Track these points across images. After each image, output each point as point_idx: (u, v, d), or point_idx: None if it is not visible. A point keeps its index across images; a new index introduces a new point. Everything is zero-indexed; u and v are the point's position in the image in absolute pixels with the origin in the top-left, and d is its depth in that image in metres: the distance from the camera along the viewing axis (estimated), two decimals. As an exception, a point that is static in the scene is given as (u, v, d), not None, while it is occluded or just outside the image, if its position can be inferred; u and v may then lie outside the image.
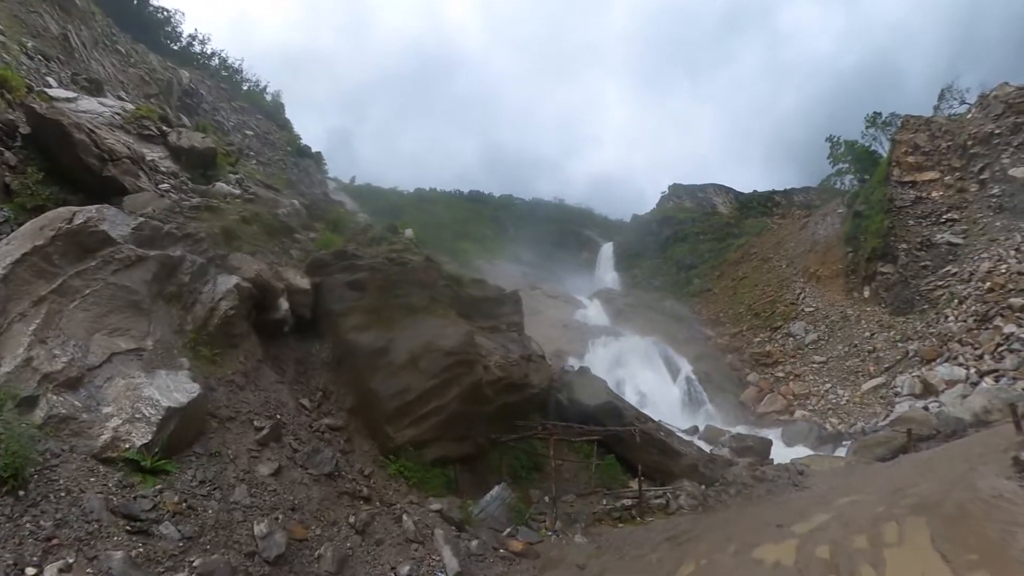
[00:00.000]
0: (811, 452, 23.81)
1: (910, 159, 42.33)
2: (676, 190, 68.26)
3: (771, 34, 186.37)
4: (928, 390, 26.85)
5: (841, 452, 23.53)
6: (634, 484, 17.11)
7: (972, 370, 26.51)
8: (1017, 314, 28.62)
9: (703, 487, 17.90)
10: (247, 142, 44.00)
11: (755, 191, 67.81)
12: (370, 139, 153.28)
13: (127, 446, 8.94)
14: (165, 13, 45.33)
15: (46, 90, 17.77)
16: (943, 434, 20.03)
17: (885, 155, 46.31)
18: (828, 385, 32.76)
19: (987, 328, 28.88)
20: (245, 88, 49.22)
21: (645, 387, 33.45)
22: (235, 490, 9.81)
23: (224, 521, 9.05)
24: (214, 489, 9.52)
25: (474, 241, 55.06)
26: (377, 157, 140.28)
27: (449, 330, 15.96)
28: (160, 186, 16.28)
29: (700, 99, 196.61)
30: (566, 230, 64.17)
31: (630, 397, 32.55)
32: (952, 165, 41.51)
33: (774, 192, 67.06)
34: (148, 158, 17.15)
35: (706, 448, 22.94)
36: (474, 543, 11.99)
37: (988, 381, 24.97)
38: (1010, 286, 30.75)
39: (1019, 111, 39.93)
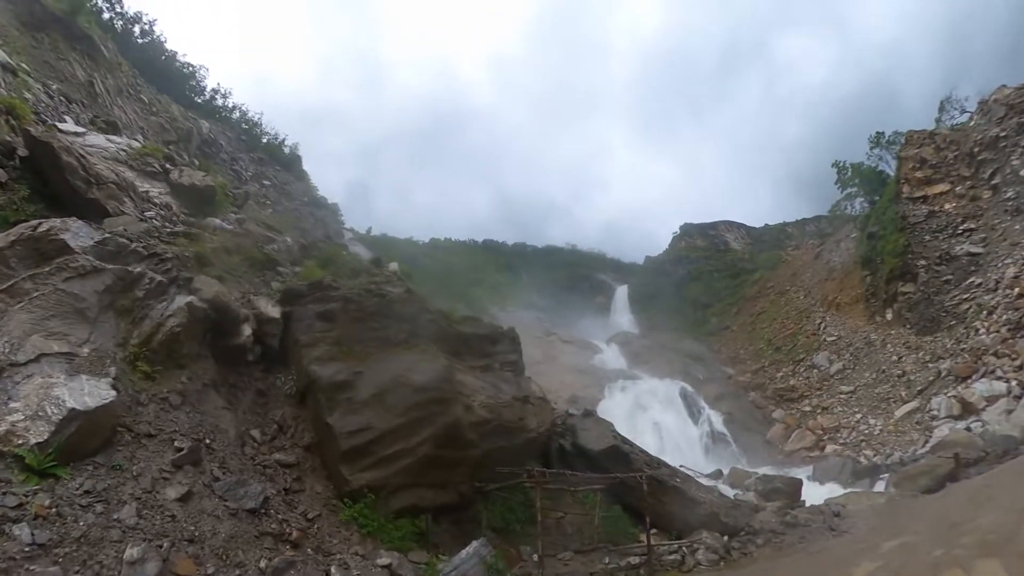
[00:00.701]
0: (846, 489, 21.30)
1: (918, 174, 40.70)
2: (687, 229, 66.71)
3: (768, 69, 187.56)
4: (967, 409, 24.37)
5: (880, 486, 21.12)
6: (644, 538, 15.12)
7: (1014, 383, 24.10)
8: (1053, 318, 26.26)
9: (725, 538, 15.97)
10: (264, 191, 43.63)
11: (766, 224, 66.17)
12: (386, 191, 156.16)
13: (20, 442, 8.70)
14: (191, 68, 45.80)
15: (57, 124, 17.87)
16: (992, 456, 17.72)
17: (893, 174, 44.79)
18: (859, 415, 30.20)
19: (1022, 336, 26.44)
20: (264, 141, 49.25)
21: (666, 430, 31.26)
22: (123, 507, 8.98)
23: (94, 537, 8.23)
24: (97, 501, 8.80)
25: (488, 288, 53.86)
26: (393, 208, 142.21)
27: (424, 364, 14.41)
28: (146, 213, 16.08)
29: (704, 138, 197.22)
30: (579, 275, 62.73)
31: (650, 441, 30.42)
32: (961, 175, 39.82)
33: (785, 224, 65.32)
34: (141, 189, 17.41)
35: (731, 493, 20.87)
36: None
37: (1034, 393, 22.56)
38: (1041, 289, 28.50)
39: (1021, 111, 38.43)
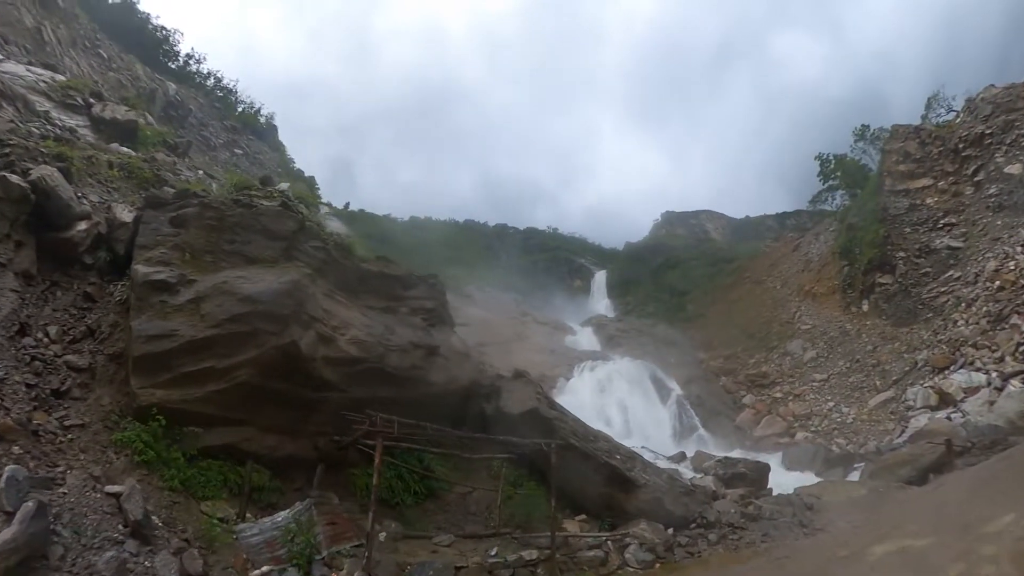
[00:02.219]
0: (818, 478, 19.08)
1: (901, 167, 38.97)
2: (668, 218, 64.70)
3: (760, 65, 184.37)
4: (945, 400, 22.32)
5: (853, 476, 18.96)
6: (570, 526, 12.62)
7: (994, 374, 22.08)
8: (1035, 310, 24.30)
9: (670, 531, 13.35)
10: (235, 159, 41.28)
11: (747, 216, 64.16)
12: (370, 168, 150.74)
13: None
14: (164, 31, 42.87)
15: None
16: (980, 446, 15.49)
17: (875, 168, 43.03)
18: (831, 404, 28.14)
19: (1003, 328, 24.55)
20: (240, 110, 46.49)
21: (632, 412, 29.08)
22: None
23: None
24: None
25: (466, 268, 51.36)
26: (377, 185, 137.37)
27: (268, 276, 11.71)
28: (29, 124, 14.35)
29: (693, 129, 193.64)
30: (559, 258, 60.33)
31: (616, 422, 28.27)
32: (945, 170, 38.06)
33: (766, 216, 63.29)
34: (54, 116, 15.94)
35: (690, 477, 18.45)
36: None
37: (1016, 384, 20.51)
38: (1022, 282, 26.58)
39: (1008, 109, 36.73)
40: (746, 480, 17.95)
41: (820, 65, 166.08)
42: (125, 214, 12.66)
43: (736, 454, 22.25)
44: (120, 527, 8.52)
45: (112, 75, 32.31)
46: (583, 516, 14.36)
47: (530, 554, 11.40)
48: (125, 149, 16.53)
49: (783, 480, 18.68)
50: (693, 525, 13.93)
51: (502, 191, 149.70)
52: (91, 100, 18.44)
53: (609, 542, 12.62)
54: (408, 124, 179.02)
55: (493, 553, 11.38)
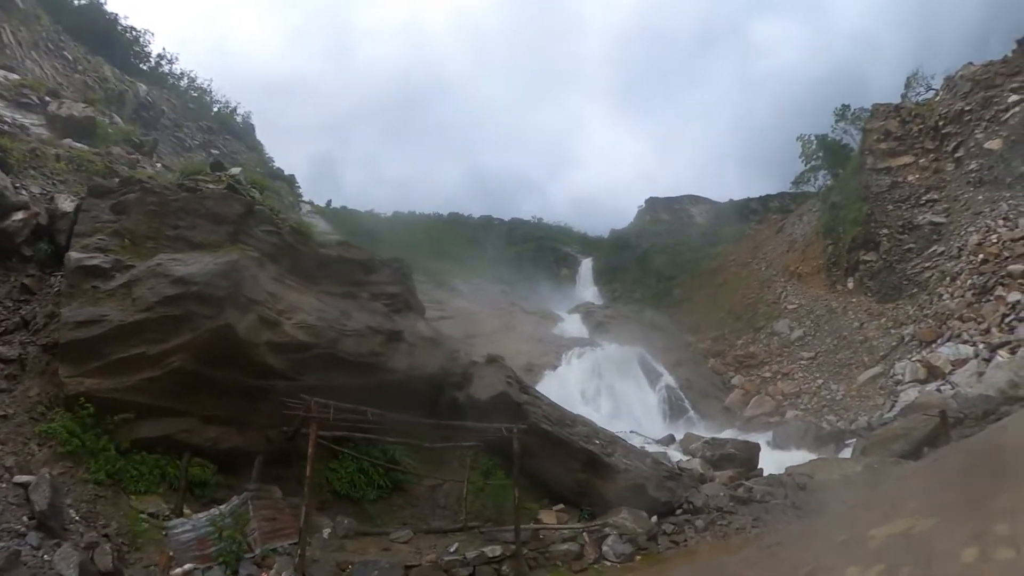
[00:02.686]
0: (811, 456, 18.50)
1: (883, 146, 38.78)
2: (652, 203, 64.02)
3: (742, 51, 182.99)
4: (933, 373, 21.95)
5: (846, 453, 18.48)
6: (546, 516, 11.96)
7: (981, 345, 21.76)
8: (1019, 281, 24.19)
9: (653, 518, 12.70)
10: (210, 160, 40.12)
11: (731, 200, 63.57)
12: (356, 165, 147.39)
13: None
14: (134, 32, 41.80)
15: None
16: (972, 417, 15.04)
17: (856, 148, 42.67)
18: (820, 381, 27.76)
19: (988, 300, 24.23)
20: (216, 110, 45.34)
21: (621, 396, 28.55)
22: None
23: None
24: None
25: (452, 261, 50.61)
26: (363, 182, 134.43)
27: (206, 258, 11.05)
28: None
29: (677, 116, 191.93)
30: (545, 248, 59.54)
31: (605, 407, 27.73)
32: (926, 147, 37.92)
33: (750, 199, 62.72)
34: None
35: (678, 460, 17.78)
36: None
37: (1003, 354, 20.16)
38: (1006, 254, 26.45)
39: (987, 86, 36.52)
40: (735, 461, 17.22)
41: (801, 49, 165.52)
42: (67, 204, 12.12)
43: (726, 435, 21.74)
44: (25, 518, 8.01)
45: (78, 77, 31.26)
46: (561, 506, 13.67)
47: (493, 550, 10.51)
48: (79, 145, 15.94)
49: (775, 459, 18.06)
50: (679, 511, 13.24)
51: (489, 184, 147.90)
52: (47, 99, 18.01)
53: (585, 534, 11.79)
54: (392, 120, 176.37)
55: (452, 550, 10.59)
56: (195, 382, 10.64)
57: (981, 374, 19.13)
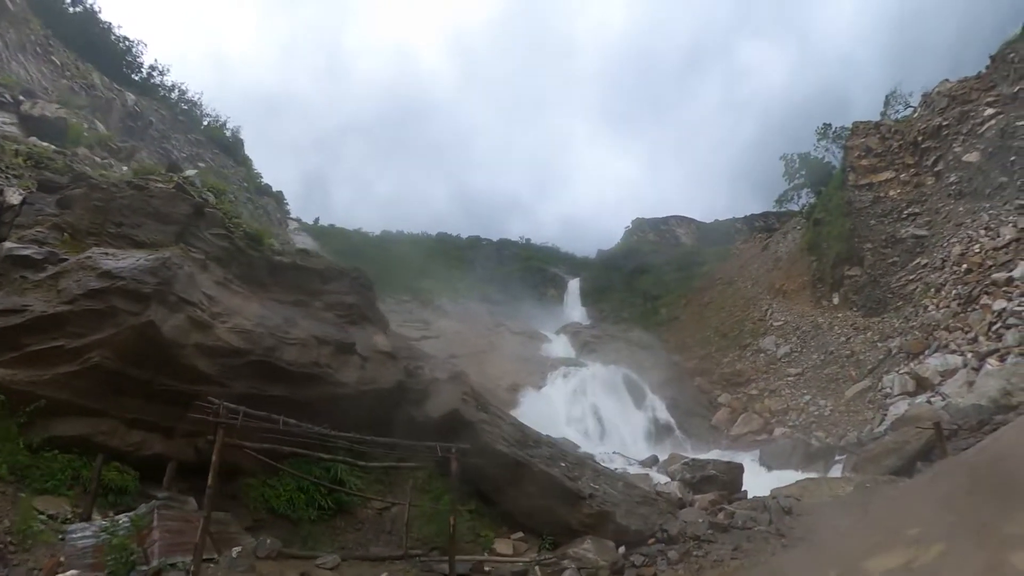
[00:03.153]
0: (799, 475, 17.45)
1: (864, 162, 38.82)
2: (639, 224, 63.57)
3: (728, 72, 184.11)
4: (922, 385, 21.16)
5: (836, 470, 17.50)
6: (502, 546, 10.93)
7: (969, 354, 21.05)
8: (1004, 288, 23.55)
9: (621, 549, 11.62)
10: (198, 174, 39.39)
11: (716, 220, 63.18)
12: (345, 183, 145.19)
13: None
14: (127, 43, 40.64)
15: None
16: (967, 428, 14.11)
17: (839, 165, 42.61)
18: (807, 397, 26.90)
19: (974, 309, 23.62)
20: (206, 123, 44.63)
21: (607, 416, 27.55)
22: None
23: None
24: None
25: (439, 281, 49.70)
26: (351, 200, 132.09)
27: (139, 254, 10.47)
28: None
29: (664, 136, 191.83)
30: (533, 268, 58.71)
31: (590, 427, 26.73)
32: (906, 162, 37.91)
33: (735, 219, 62.40)
34: None
35: (662, 482, 16.59)
36: None
37: (992, 362, 19.44)
38: (989, 263, 26.02)
39: (963, 101, 36.84)
40: (717, 483, 16.00)
41: (785, 70, 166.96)
42: (15, 197, 11.42)
43: (712, 454, 20.77)
44: None
45: (64, 82, 30.48)
46: (520, 534, 12.62)
47: None
48: (43, 144, 15.26)
49: (761, 480, 17.00)
50: (652, 540, 12.14)
51: (477, 203, 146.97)
52: (21, 98, 17.65)
53: (537, 567, 10.74)
54: (382, 138, 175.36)
55: None
56: (118, 382, 9.93)
57: (971, 383, 18.36)
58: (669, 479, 17.24)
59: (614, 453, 19.75)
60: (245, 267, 12.66)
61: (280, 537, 10.14)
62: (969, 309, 24.08)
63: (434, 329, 41.83)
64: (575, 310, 54.82)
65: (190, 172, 16.80)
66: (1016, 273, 24.19)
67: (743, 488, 16.27)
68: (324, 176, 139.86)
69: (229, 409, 8.41)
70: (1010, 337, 20.42)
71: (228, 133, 46.61)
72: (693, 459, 17.87)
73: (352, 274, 15.12)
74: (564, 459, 13.72)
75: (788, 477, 16.75)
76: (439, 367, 15.37)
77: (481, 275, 56.09)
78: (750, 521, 12.41)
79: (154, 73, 42.77)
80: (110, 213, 11.19)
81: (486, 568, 10.64)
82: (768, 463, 20.04)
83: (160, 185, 12.22)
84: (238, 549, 9.12)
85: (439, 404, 13.59)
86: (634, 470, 17.72)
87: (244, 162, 46.82)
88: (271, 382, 11.62)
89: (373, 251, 51.10)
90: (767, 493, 14.65)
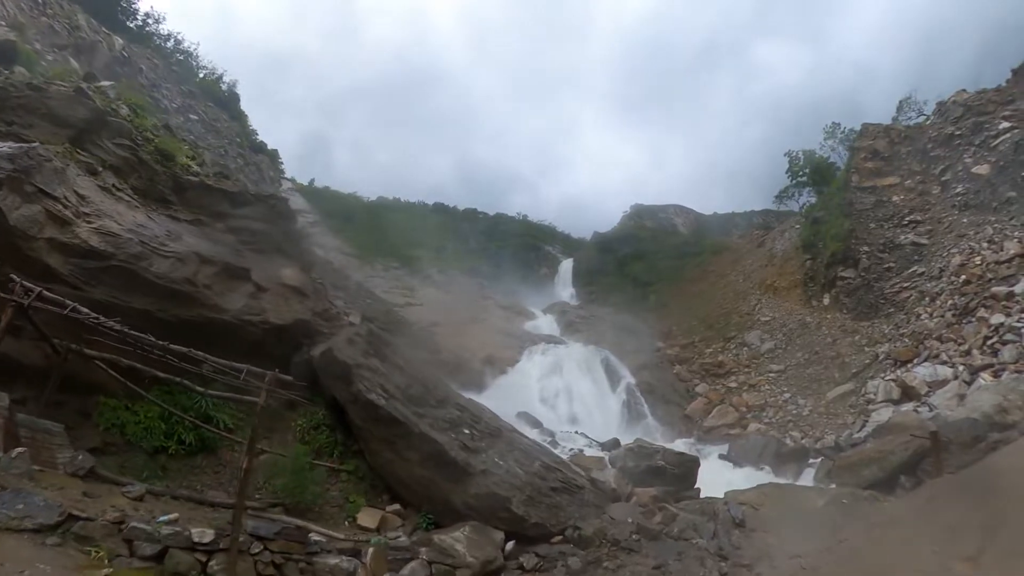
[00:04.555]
0: (768, 476, 15.57)
1: (869, 165, 36.84)
2: (638, 210, 61.48)
3: (743, 68, 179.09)
4: (908, 394, 19.49)
5: (807, 475, 15.70)
6: (367, 517, 9.28)
7: (961, 367, 19.32)
8: (1004, 303, 21.80)
9: (509, 544, 9.64)
10: (188, 125, 37.37)
11: (716, 213, 61.23)
12: (346, 146, 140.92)
13: None
14: None
15: None
16: (960, 442, 12.17)
17: (843, 167, 40.52)
18: (787, 395, 25.21)
19: (970, 321, 21.83)
20: (201, 76, 42.52)
21: (578, 396, 25.95)
22: None
23: None
24: None
25: (430, 250, 47.99)
26: (352, 164, 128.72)
27: (8, 143, 9.22)
28: None
29: (672, 127, 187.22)
30: (527, 245, 56.92)
31: (562, 406, 25.10)
32: (912, 169, 35.92)
33: (734, 214, 60.46)
34: None
35: (611, 472, 14.00)
36: None
37: (986, 377, 17.70)
38: (989, 275, 24.29)
39: (979, 112, 34.83)
40: (665, 477, 13.52)
41: (800, 72, 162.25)
42: None
43: (678, 444, 19.05)
44: None
45: (44, 20, 28.33)
46: (397, 506, 10.95)
47: (203, 534, 7.60)
48: None
49: (725, 477, 14.99)
50: (558, 539, 10.15)
51: (478, 177, 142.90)
52: None
53: (372, 550, 8.81)
54: (388, 104, 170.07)
55: (162, 519, 7.90)
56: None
57: (963, 396, 16.67)
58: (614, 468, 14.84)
59: (576, 432, 18.16)
60: (146, 181, 11.80)
61: (130, 466, 8.92)
62: (964, 321, 22.32)
63: (419, 297, 40.30)
64: (565, 290, 53.20)
65: (106, 83, 15.08)
66: (1018, 288, 22.44)
67: (696, 485, 14.08)
68: (326, 138, 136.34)
69: (25, 287, 6.77)
70: (1006, 353, 18.68)
71: (224, 87, 44.39)
72: (639, 445, 15.29)
73: (270, 201, 13.73)
74: (473, 427, 11.69)
75: (755, 477, 14.86)
76: (362, 313, 13.72)
77: (474, 248, 54.43)
78: (690, 530, 10.29)
79: (149, 21, 40.46)
80: (3, 112, 9.96)
81: (313, 538, 8.83)
82: (736, 459, 18.10)
83: (62, 89, 10.56)
84: (19, 450, 7.54)
85: (326, 345, 11.83)
86: (592, 452, 16.00)
87: (239, 117, 44.76)
88: (134, 293, 10.30)
89: (366, 216, 49.29)
90: (722, 497, 12.36)
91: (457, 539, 9.38)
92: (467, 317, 37.58)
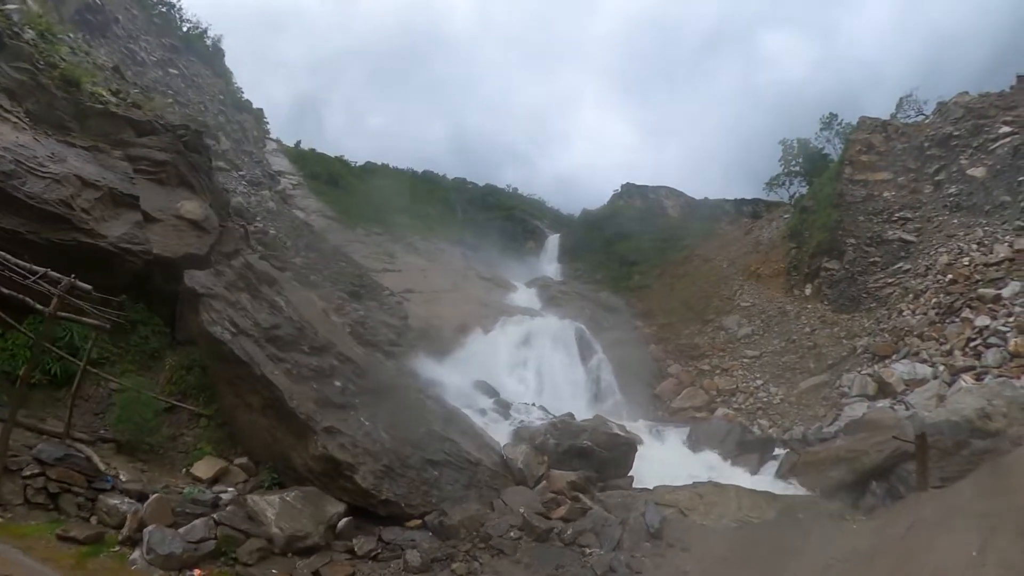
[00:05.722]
0: (727, 465, 14.13)
1: (863, 158, 35.21)
2: (628, 189, 59.55)
3: (748, 56, 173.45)
4: (884, 390, 18.20)
5: (771, 468, 14.26)
6: (206, 466, 8.25)
7: (941, 367, 17.99)
8: (990, 305, 20.50)
9: (343, 521, 8.07)
10: (167, 79, 35.17)
11: (706, 198, 59.31)
12: (339, 109, 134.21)
13: None
14: None
15: None
16: (941, 447, 10.48)
17: (837, 158, 38.82)
18: (760, 382, 23.93)
19: (954, 321, 20.52)
20: (185, 30, 40.02)
21: (549, 369, 24.54)
22: None
23: None
24: None
25: (415, 218, 46.12)
26: (343, 128, 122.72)
27: None
28: None
29: (671, 110, 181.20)
30: (515, 218, 55.05)
31: (530, 379, 23.76)
32: (907, 166, 34.42)
33: (724, 200, 58.56)
34: None
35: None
36: None
37: (968, 379, 16.33)
38: (977, 276, 22.99)
39: (979, 115, 33.32)
40: (592, 461, 11.26)
41: (805, 65, 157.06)
42: None
43: (639, 424, 17.61)
44: None
45: None
46: (245, 459, 9.68)
47: None
48: None
49: (680, 463, 13.19)
50: (416, 523, 8.59)
51: (472, 148, 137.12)
52: None
53: (126, 499, 7.87)
54: (384, 69, 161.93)
55: None
56: None
57: (942, 397, 15.36)
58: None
59: (532, 405, 16.78)
60: (44, 106, 11.02)
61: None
62: (948, 320, 20.99)
63: (398, 264, 38.64)
64: (551, 265, 51.57)
65: (10, 5, 13.50)
66: (1006, 292, 21.12)
67: (630, 473, 12.07)
68: (319, 100, 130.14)
69: None
70: (990, 356, 17.39)
71: (208, 42, 41.90)
72: (563, 420, 13.21)
73: (178, 131, 12.59)
74: (351, 380, 9.97)
75: (709, 466, 13.26)
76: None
77: (461, 218, 52.62)
78: (590, 535, 8.29)
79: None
80: None
81: (111, 476, 8.06)
82: (695, 444, 16.45)
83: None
84: None
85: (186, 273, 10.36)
86: (541, 422, 14.48)
87: (223, 74, 42.37)
88: (4, 212, 9.18)
89: (352, 180, 47.19)
90: (673, 482, 10.52)
91: (271, 504, 7.96)
92: (445, 286, 36.12)
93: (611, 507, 9.16)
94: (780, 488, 11.09)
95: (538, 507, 8.76)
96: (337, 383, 9.76)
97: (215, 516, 7.74)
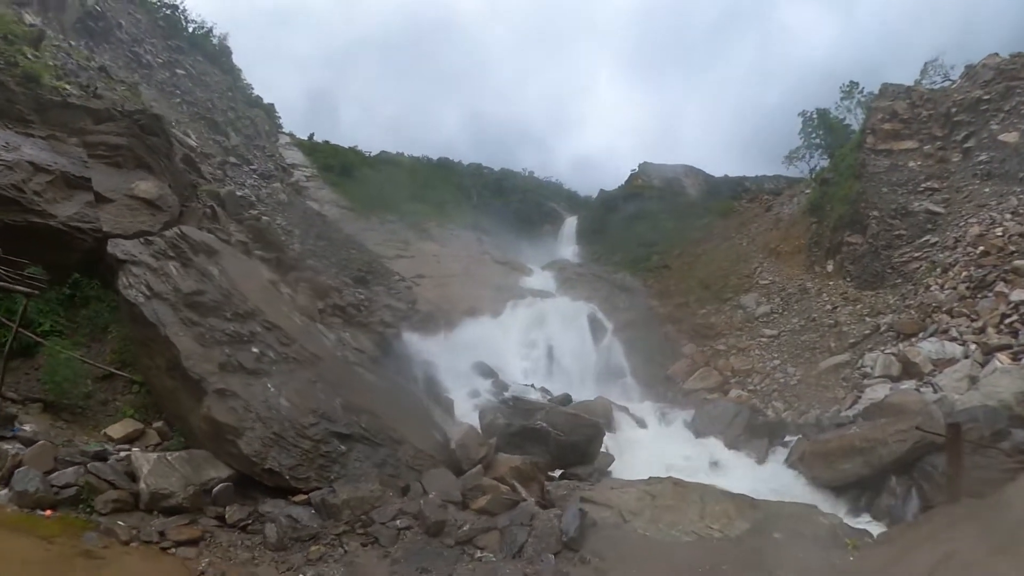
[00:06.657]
0: (730, 453, 12.87)
1: (887, 126, 32.86)
2: (645, 168, 57.36)
3: (766, 33, 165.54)
4: (908, 371, 16.64)
5: (780, 454, 13.05)
6: (121, 429, 8.82)
7: (972, 346, 16.31)
8: (1026, 278, 18.41)
9: (217, 488, 7.66)
10: (175, 80, 34.88)
11: (726, 175, 56.89)
12: (353, 101, 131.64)
13: None
14: None
15: None
16: (976, 437, 8.79)
17: (858, 129, 36.54)
18: (777, 362, 22.48)
19: (986, 296, 18.76)
20: (190, 30, 39.61)
21: (559, 351, 23.55)
22: None
23: None
24: None
25: (430, 205, 45.31)
26: (359, 119, 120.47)
27: None
28: None
29: (689, 90, 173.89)
30: (531, 201, 53.81)
31: (541, 359, 22.83)
32: (933, 134, 32.09)
33: (744, 178, 56.15)
34: None
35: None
36: None
37: (1003, 359, 14.69)
38: (1012, 248, 21.07)
39: (1011, 77, 30.94)
40: (547, 445, 9.87)
41: (825, 41, 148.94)
42: None
43: (645, 406, 16.50)
44: None
45: None
46: (161, 423, 9.62)
47: None
48: None
49: (680, 449, 11.93)
50: (301, 498, 7.85)
51: (487, 133, 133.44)
52: None
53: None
54: (396, 57, 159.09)
55: None
56: None
57: (974, 379, 13.81)
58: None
59: (530, 386, 15.83)
60: (3, 101, 11.59)
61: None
62: (980, 295, 19.23)
63: (412, 250, 37.97)
64: (568, 247, 50.23)
65: None
66: (1043, 262, 19.27)
67: (595, 464, 10.64)
68: (332, 93, 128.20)
69: None
70: (1026, 334, 15.68)
71: (215, 41, 41.45)
72: (517, 397, 11.76)
73: (134, 116, 12.76)
74: (270, 347, 9.44)
75: (714, 450, 11.96)
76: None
77: (477, 204, 51.51)
78: (495, 534, 6.99)
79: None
80: None
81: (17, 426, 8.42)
82: (699, 429, 15.11)
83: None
84: None
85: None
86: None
87: (231, 71, 41.88)
88: None
89: (366, 170, 46.50)
90: (662, 472, 9.08)
91: (148, 460, 7.85)
92: (458, 270, 35.34)
93: (555, 500, 7.92)
94: (788, 480, 9.83)
95: (456, 495, 7.73)
96: (255, 349, 9.44)
97: (88, 466, 7.77)
